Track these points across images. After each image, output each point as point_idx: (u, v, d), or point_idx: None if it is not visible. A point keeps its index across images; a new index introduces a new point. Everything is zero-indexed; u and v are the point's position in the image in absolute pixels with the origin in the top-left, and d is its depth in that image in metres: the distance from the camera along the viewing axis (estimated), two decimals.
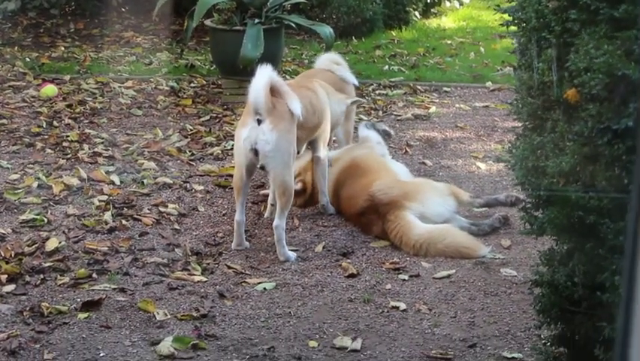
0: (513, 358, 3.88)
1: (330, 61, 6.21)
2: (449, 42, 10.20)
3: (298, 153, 5.22)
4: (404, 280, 4.67)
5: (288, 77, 8.72)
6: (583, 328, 3.13)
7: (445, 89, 8.35)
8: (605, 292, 2.83)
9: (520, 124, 3.75)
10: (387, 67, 8.98)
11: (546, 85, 3.30)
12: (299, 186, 5.41)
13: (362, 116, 7.38)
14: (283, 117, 4.81)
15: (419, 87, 8.33)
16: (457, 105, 7.84)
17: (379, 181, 5.23)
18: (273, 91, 4.77)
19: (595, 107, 2.78)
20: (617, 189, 2.72)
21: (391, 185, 5.22)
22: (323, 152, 5.41)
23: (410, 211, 5.07)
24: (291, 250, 4.94)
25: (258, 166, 4.91)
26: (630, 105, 2.65)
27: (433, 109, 7.69)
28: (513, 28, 3.70)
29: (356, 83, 6.22)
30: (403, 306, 4.36)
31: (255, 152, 4.80)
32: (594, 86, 2.77)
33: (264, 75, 4.74)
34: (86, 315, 4.25)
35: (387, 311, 4.33)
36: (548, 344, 3.55)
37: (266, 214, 5.38)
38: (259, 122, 4.77)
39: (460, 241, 4.96)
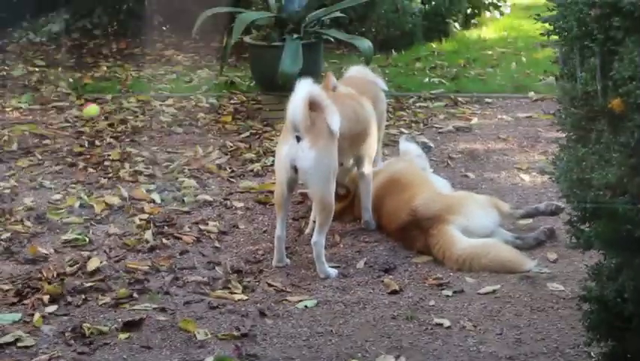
0: None
1: (360, 73, 6.12)
2: (490, 53, 10.08)
3: (342, 165, 5.14)
4: (448, 296, 4.57)
5: None
6: (634, 346, 3.01)
7: (487, 100, 8.24)
8: None
9: (563, 135, 3.66)
10: (427, 79, 8.88)
11: (590, 95, 3.19)
12: (342, 191, 5.35)
13: (402, 130, 7.29)
14: (322, 134, 4.74)
15: (460, 99, 8.22)
16: (499, 116, 7.73)
17: (421, 195, 5.14)
18: (313, 105, 4.70)
19: None
20: None
21: (434, 199, 5.12)
22: (368, 167, 5.31)
23: (454, 225, 4.97)
24: (332, 267, 4.86)
25: (299, 183, 4.86)
26: None
27: (474, 121, 7.58)
28: (554, 37, 3.60)
29: (386, 88, 6.10)
30: (447, 323, 4.26)
31: (295, 169, 4.74)
32: None
33: (303, 91, 4.68)
34: (126, 335, 4.20)
35: (431, 328, 4.23)
36: None
37: (307, 231, 5.31)
38: (298, 139, 4.71)
39: (504, 256, 4.84)
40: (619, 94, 2.82)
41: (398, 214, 5.15)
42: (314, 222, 5.22)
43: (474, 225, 5.03)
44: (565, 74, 3.53)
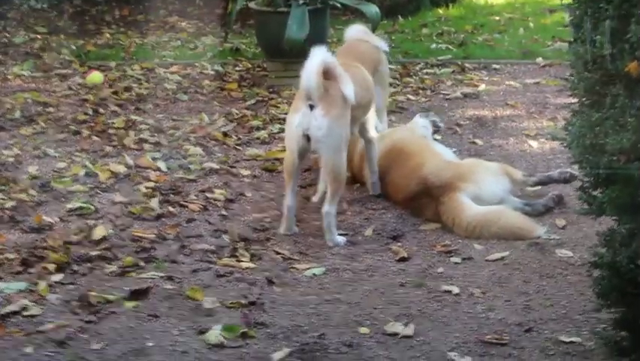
0: (571, 342, 3.72)
1: (360, 31, 6.02)
2: (497, 18, 9.99)
3: (352, 133, 5.11)
4: (456, 263, 4.55)
5: None
6: None
7: (495, 66, 8.17)
8: None
9: (576, 100, 3.60)
10: (434, 45, 8.81)
11: (604, 58, 3.14)
12: None
13: (410, 97, 7.24)
14: (336, 102, 4.70)
15: (467, 65, 8.16)
16: (507, 82, 7.66)
17: (430, 164, 5.09)
18: (327, 74, 4.66)
19: None
20: None
21: (443, 167, 5.07)
22: (373, 132, 5.31)
23: (464, 193, 4.93)
24: (340, 235, 4.84)
25: (311, 151, 4.83)
26: None
27: (482, 87, 7.52)
28: (567, 0, 3.53)
29: (387, 48, 6.01)
30: (455, 290, 4.23)
31: (307, 138, 4.71)
32: None
33: (317, 59, 4.63)
34: (133, 304, 4.17)
35: (440, 296, 4.20)
36: (608, 327, 3.40)
37: (314, 198, 5.28)
38: (311, 107, 4.67)
39: (514, 223, 4.81)
40: (635, 57, 2.76)
41: (406, 183, 5.11)
42: (324, 192, 5.20)
43: (485, 192, 4.99)
44: (578, 37, 3.47)
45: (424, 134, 5.74)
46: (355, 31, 5.90)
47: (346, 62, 5.21)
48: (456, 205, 4.87)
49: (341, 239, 4.78)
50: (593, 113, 3.27)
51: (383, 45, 5.90)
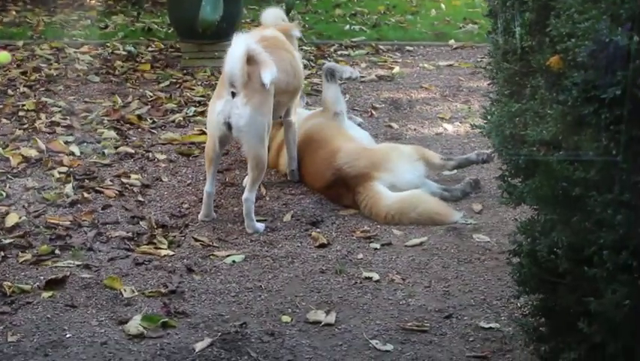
0: (490, 328, 3.80)
1: (276, 17, 5.99)
2: None
3: (280, 117, 5.09)
4: (376, 249, 4.57)
5: None
6: (565, 300, 3.04)
7: (408, 48, 8.22)
8: (591, 267, 2.73)
9: (493, 88, 3.65)
10: (348, 26, 8.82)
11: (524, 50, 3.18)
12: None
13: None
14: (258, 90, 4.65)
15: (381, 47, 8.19)
16: (420, 65, 7.72)
17: (343, 153, 5.07)
18: (250, 60, 4.60)
19: (580, 75, 2.66)
20: (605, 160, 2.61)
21: (357, 156, 5.05)
22: (294, 116, 5.28)
23: (379, 181, 4.95)
24: (259, 221, 4.81)
25: (232, 138, 4.78)
26: (618, 73, 2.53)
27: (396, 69, 7.56)
28: None
29: (300, 35, 6.00)
30: (375, 276, 4.26)
31: (229, 125, 4.65)
32: (579, 53, 2.64)
33: (240, 46, 4.57)
34: (50, 294, 4.09)
35: (360, 282, 4.22)
36: (527, 314, 3.47)
37: (244, 182, 5.25)
38: (233, 95, 4.62)
39: (432, 208, 4.85)
40: (556, 51, 2.80)
41: (322, 172, 5.09)
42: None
43: (400, 180, 5.02)
44: (496, 27, 3.50)
45: (337, 115, 5.66)
46: (274, 15, 5.87)
47: (279, 44, 5.17)
48: (372, 195, 4.89)
49: (260, 226, 4.77)
50: (512, 103, 3.30)
51: (296, 31, 5.89)
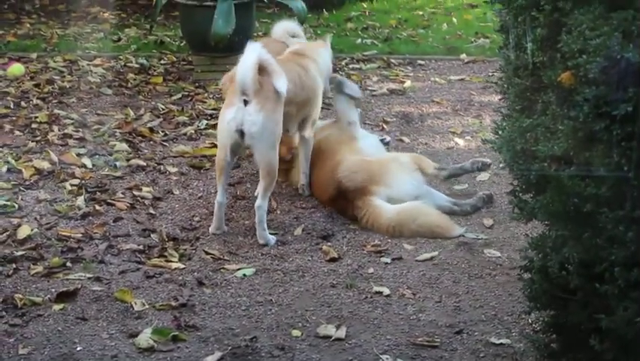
0: (501, 344, 3.78)
1: (286, 31, 6.01)
2: (421, 13, 10.06)
3: (288, 131, 5.10)
4: (386, 263, 4.56)
5: None
6: (577, 316, 3.03)
7: (420, 62, 8.22)
8: (603, 284, 2.72)
9: (504, 103, 3.65)
10: (359, 40, 8.82)
11: (536, 66, 3.18)
12: (289, 157, 5.40)
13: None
14: (270, 98, 4.68)
15: (393, 60, 8.19)
16: (432, 79, 7.72)
17: (344, 165, 5.06)
18: (261, 70, 4.63)
19: (591, 92, 2.66)
20: (616, 176, 2.60)
21: (355, 169, 5.03)
22: (309, 131, 5.28)
23: (377, 196, 4.94)
24: (271, 234, 4.81)
25: (244, 147, 4.81)
26: (630, 90, 2.53)
27: (408, 83, 7.55)
28: (498, 5, 3.57)
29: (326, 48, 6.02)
30: (386, 291, 4.25)
31: (241, 133, 4.68)
32: (590, 69, 2.64)
33: (253, 54, 4.60)
34: (61, 306, 4.10)
35: (371, 297, 4.22)
36: (539, 330, 3.46)
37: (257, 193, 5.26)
38: (245, 102, 4.65)
39: (432, 221, 4.84)
40: (568, 67, 2.80)
41: (326, 186, 5.10)
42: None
43: (398, 193, 5.00)
44: (508, 43, 3.51)
45: (350, 125, 5.63)
46: (283, 29, 5.90)
47: (291, 57, 5.21)
48: (372, 210, 4.89)
49: (272, 238, 4.77)
50: (523, 118, 3.30)
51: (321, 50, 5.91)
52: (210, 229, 4.87)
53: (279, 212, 5.17)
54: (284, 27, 6.01)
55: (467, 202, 5.13)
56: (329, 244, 4.77)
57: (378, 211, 4.89)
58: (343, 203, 5.02)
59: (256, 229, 4.76)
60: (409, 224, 4.81)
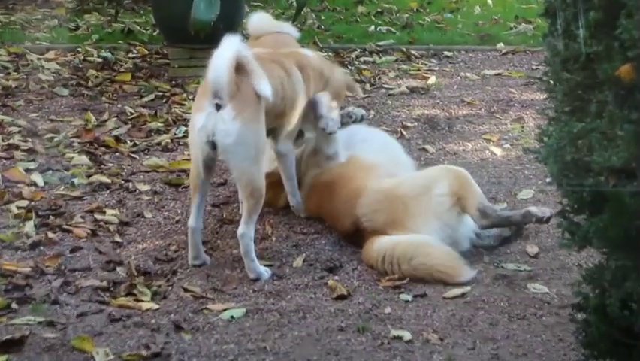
0: None
1: (270, 22, 6.05)
2: None
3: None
4: (407, 301, 4.57)
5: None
6: None
7: (447, 53, 8.26)
8: None
9: (551, 104, 3.65)
10: (373, 27, 8.87)
11: (589, 57, 3.18)
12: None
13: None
14: (249, 102, 4.67)
15: (414, 52, 8.23)
16: (462, 74, 7.75)
17: (365, 199, 5.02)
18: (239, 68, 4.64)
19: None
20: None
21: (377, 206, 4.99)
22: (285, 145, 5.20)
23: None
24: (264, 265, 4.83)
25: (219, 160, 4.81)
26: None
27: (432, 80, 7.59)
28: None
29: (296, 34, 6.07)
30: (407, 336, 4.25)
31: (213, 144, 4.66)
32: None
33: (229, 49, 4.61)
34: (4, 358, 4.10)
35: (388, 343, 4.22)
36: None
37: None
38: (218, 107, 4.64)
39: (432, 264, 4.74)
40: (627, 58, 2.81)
41: (341, 218, 5.08)
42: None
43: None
44: (555, 30, 3.51)
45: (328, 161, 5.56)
46: (266, 22, 5.95)
47: (276, 57, 5.19)
48: (369, 237, 4.92)
49: (264, 270, 4.78)
50: (574, 122, 3.31)
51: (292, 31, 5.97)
52: (189, 260, 4.88)
53: (274, 239, 5.18)
54: (263, 19, 6.05)
55: (490, 234, 5.09)
56: (336, 277, 4.77)
57: (372, 239, 4.90)
58: (360, 239, 5.03)
59: (244, 261, 4.76)
60: (402, 263, 4.77)
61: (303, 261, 4.95)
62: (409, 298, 4.59)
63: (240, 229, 4.77)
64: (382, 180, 5.16)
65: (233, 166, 4.77)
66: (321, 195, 5.26)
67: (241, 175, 4.76)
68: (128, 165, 6.04)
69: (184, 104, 6.97)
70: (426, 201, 5.00)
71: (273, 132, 5.17)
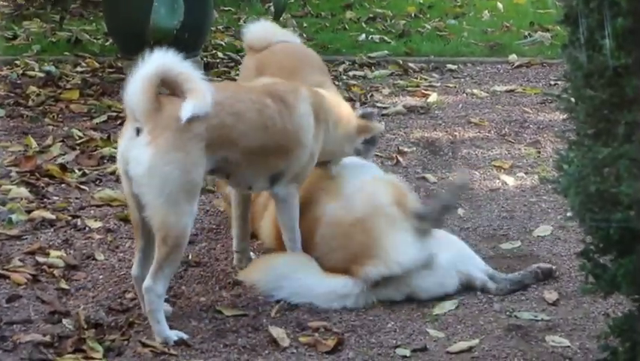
0: None
1: (275, 32, 6.09)
2: None
3: (250, 188, 5.04)
4: (404, 357, 4.57)
5: (220, 52, 8.63)
6: None
7: (450, 66, 8.30)
8: None
9: (573, 127, 3.69)
10: (364, 36, 8.91)
11: (616, 72, 3.22)
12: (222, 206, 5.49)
13: None
14: (169, 126, 4.58)
15: (412, 65, 8.27)
16: (468, 90, 7.79)
17: (320, 235, 5.08)
18: (174, 86, 4.61)
19: None
20: None
21: (333, 244, 5.06)
22: (285, 188, 5.10)
23: (369, 277, 4.96)
24: (237, 316, 4.82)
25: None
26: None
27: (433, 97, 7.62)
28: None
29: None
30: None
31: (128, 175, 4.65)
32: None
33: (152, 63, 4.56)
34: None
35: None
36: None
37: (234, 262, 5.33)
38: (138, 131, 4.63)
39: None
40: None
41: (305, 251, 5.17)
42: (237, 252, 5.31)
43: (399, 265, 4.93)
44: (576, 40, 3.56)
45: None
46: (269, 31, 5.96)
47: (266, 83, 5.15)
48: None
49: (174, 334, 4.68)
50: (599, 147, 3.35)
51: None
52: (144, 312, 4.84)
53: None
54: (266, 28, 6.07)
55: (509, 278, 5.13)
56: (321, 328, 4.78)
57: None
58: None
59: (149, 320, 4.70)
60: None
61: (283, 309, 4.96)
62: (407, 353, 4.60)
63: (146, 282, 4.64)
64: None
65: (145, 203, 4.64)
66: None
67: (153, 215, 4.63)
68: (76, 199, 6.04)
69: None
70: (386, 217, 5.07)
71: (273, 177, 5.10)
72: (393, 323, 4.86)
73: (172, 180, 4.60)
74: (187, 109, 4.55)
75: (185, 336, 4.68)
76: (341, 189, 5.24)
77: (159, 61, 4.59)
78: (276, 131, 4.93)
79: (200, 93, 4.59)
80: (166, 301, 4.91)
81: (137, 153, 4.58)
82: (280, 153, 4.98)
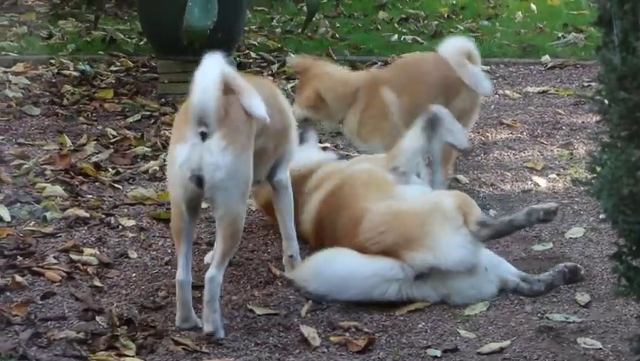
0: None
1: (458, 52, 6.18)
2: None
3: (258, 182, 5.10)
4: (435, 357, 4.57)
5: (252, 52, 8.64)
6: None
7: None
8: None
9: (606, 127, 3.68)
10: (396, 37, 8.90)
11: None
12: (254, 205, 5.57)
13: None
14: (240, 129, 4.65)
15: None
16: (500, 91, 7.78)
17: (367, 222, 5.09)
18: (226, 89, 4.61)
19: None
20: None
21: (383, 227, 5.07)
22: (284, 173, 5.24)
23: (413, 265, 4.97)
24: (269, 315, 4.83)
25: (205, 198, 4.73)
26: None
27: None
28: None
29: (486, 90, 6.36)
30: None
31: (199, 181, 4.64)
32: None
33: (214, 66, 4.58)
34: None
35: None
36: None
37: (207, 259, 5.30)
38: (204, 136, 4.61)
39: None
40: None
41: (344, 244, 5.15)
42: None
43: (445, 262, 4.95)
44: (610, 41, 3.54)
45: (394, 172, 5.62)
46: (456, 49, 6.21)
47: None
48: None
49: (221, 328, 4.71)
50: (632, 149, 3.33)
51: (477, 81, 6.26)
52: (176, 320, 4.83)
53: (280, 284, 5.19)
54: (457, 46, 6.20)
55: (542, 278, 5.11)
56: (352, 328, 4.78)
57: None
58: None
59: (204, 310, 4.69)
60: None
61: (313, 309, 4.96)
62: (438, 353, 4.60)
63: (210, 272, 4.68)
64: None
65: (219, 204, 4.67)
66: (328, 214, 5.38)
67: (226, 213, 4.68)
68: (110, 197, 6.07)
69: None
70: (439, 214, 5.09)
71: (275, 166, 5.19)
72: (424, 323, 4.86)
73: (247, 180, 4.74)
74: (260, 107, 4.68)
75: (222, 332, 4.71)
76: (402, 194, 5.35)
77: (220, 66, 4.59)
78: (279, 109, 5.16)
79: (252, 90, 4.66)
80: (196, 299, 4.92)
81: (214, 158, 4.60)
82: (283, 136, 5.18)
